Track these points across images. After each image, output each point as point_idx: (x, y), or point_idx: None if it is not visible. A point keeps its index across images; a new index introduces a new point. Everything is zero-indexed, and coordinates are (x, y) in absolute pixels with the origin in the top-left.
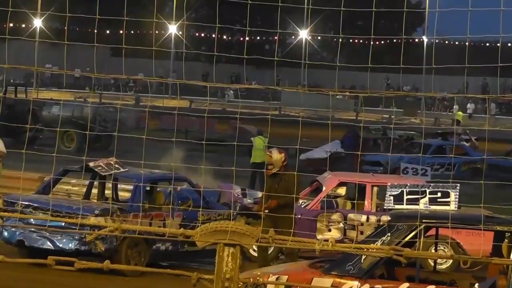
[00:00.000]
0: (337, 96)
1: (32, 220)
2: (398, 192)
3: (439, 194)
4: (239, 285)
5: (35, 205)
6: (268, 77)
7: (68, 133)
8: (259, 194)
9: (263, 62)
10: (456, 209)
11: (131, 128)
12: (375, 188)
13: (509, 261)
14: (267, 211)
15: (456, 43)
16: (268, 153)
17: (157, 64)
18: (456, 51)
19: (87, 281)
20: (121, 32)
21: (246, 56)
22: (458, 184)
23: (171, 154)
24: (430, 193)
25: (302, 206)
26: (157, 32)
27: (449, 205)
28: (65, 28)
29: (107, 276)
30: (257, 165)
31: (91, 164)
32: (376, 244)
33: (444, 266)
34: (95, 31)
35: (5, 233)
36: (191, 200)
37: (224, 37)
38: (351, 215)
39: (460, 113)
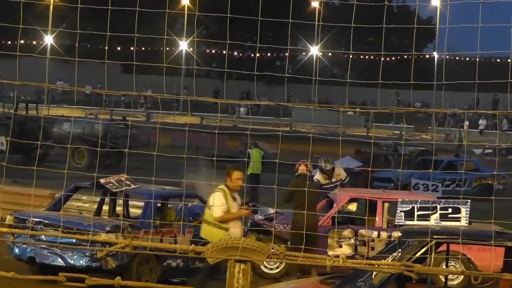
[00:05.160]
0: (348, 113)
1: (43, 236)
2: (409, 208)
3: (450, 210)
4: None
5: (46, 221)
6: (279, 94)
7: (79, 149)
8: (270, 210)
9: (273, 79)
10: (467, 225)
11: (142, 144)
12: (386, 204)
13: None
14: (280, 227)
15: (467, 59)
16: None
17: (168, 80)
18: (467, 67)
19: None
20: (131, 48)
21: (256, 73)
22: (469, 200)
23: (182, 171)
24: (441, 209)
25: None
26: (168, 48)
27: (460, 221)
28: (76, 45)
29: None
30: (254, 176)
31: (102, 180)
32: (387, 260)
33: (455, 282)
34: (106, 48)
35: (16, 250)
36: (202, 216)
37: (235, 53)
38: (362, 231)
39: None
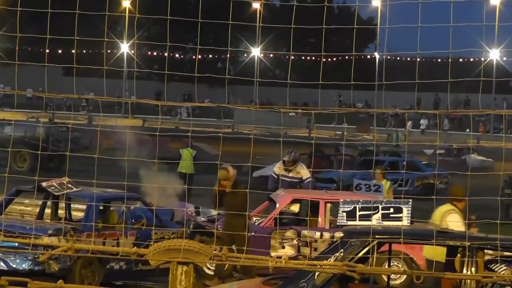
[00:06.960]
0: (290, 113)
1: None
2: (350, 208)
3: (391, 210)
4: None
5: None
6: (221, 95)
7: (20, 153)
8: (213, 212)
9: (215, 80)
10: (408, 224)
11: (84, 147)
12: (328, 205)
13: (461, 275)
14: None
15: (408, 59)
16: (224, 169)
17: (110, 83)
18: (408, 67)
19: None
20: (73, 51)
21: (198, 75)
22: (411, 200)
23: (124, 173)
24: (383, 208)
25: (256, 223)
26: (109, 51)
27: (401, 220)
28: (16, 48)
29: None
30: (182, 175)
31: (44, 184)
32: (330, 261)
33: (397, 282)
34: (47, 50)
35: None
36: (144, 218)
37: (177, 55)
38: (304, 232)
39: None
